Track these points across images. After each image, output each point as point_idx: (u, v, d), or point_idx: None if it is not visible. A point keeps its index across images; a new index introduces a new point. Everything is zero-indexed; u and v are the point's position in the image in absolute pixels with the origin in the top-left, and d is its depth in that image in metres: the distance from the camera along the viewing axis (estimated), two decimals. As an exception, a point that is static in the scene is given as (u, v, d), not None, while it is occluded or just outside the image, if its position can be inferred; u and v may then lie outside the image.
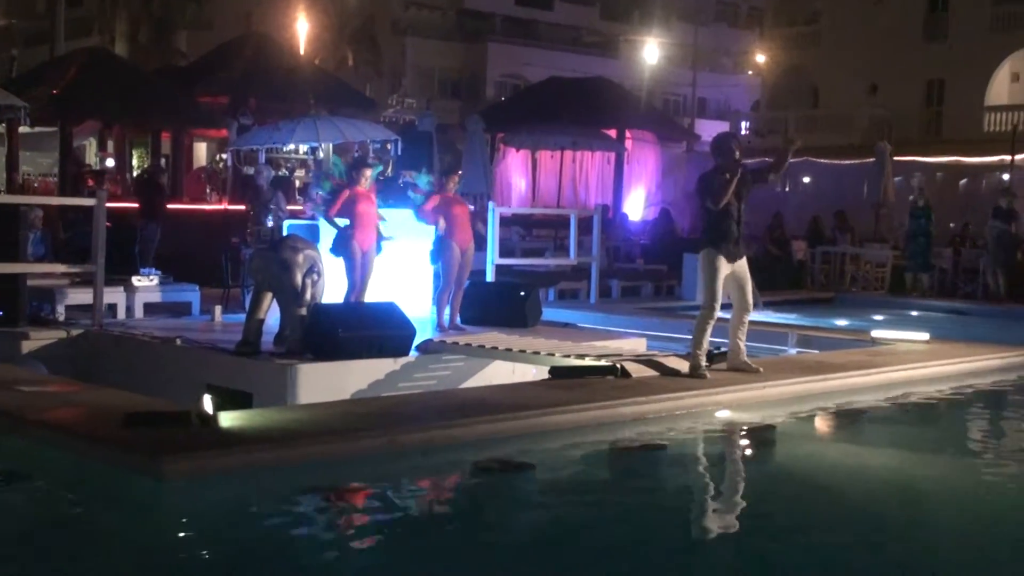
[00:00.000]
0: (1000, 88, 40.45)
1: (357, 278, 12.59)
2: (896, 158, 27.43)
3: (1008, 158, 26.88)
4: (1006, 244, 20.90)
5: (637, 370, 10.57)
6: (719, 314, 10.67)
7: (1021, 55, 39.69)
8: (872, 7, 41.57)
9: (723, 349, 11.06)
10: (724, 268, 10.57)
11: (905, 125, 37.86)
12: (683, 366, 10.68)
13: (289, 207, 18.02)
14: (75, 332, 12.82)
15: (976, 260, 22.17)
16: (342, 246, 12.55)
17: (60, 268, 14.39)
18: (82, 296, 13.64)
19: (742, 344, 10.89)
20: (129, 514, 7.03)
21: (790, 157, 10.97)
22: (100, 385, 10.45)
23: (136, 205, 19.79)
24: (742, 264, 10.74)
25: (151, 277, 14.87)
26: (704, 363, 10.59)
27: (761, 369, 10.85)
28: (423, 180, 13.98)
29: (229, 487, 7.25)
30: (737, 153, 10.66)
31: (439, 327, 13.08)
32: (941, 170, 31.34)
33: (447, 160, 28.05)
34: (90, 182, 22.93)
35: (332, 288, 12.46)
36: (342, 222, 12.63)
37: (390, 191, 14.95)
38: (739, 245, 10.68)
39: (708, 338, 10.62)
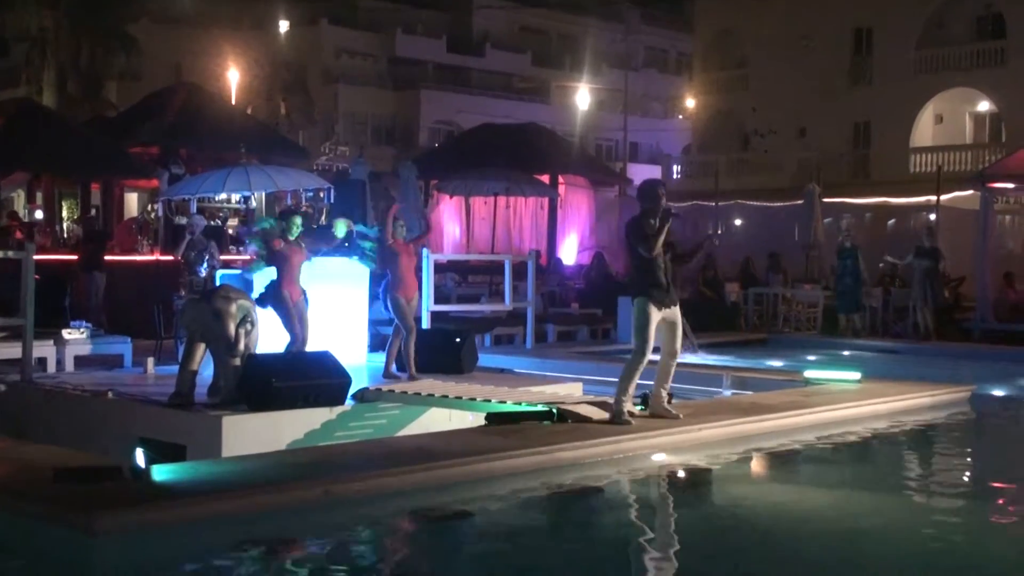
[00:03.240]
0: (925, 130, 41.26)
1: (297, 327, 12.49)
2: (825, 200, 27.85)
3: (934, 198, 27.34)
4: (933, 282, 21.19)
5: (574, 414, 10.58)
6: (652, 357, 10.68)
7: (944, 97, 40.53)
8: (798, 52, 42.32)
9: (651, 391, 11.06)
10: (656, 316, 10.55)
11: (834, 167, 38.45)
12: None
13: (222, 257, 17.92)
14: (3, 387, 12.61)
15: (906, 299, 22.47)
16: (274, 298, 12.45)
17: (-12, 322, 14.17)
18: (11, 350, 13.44)
19: (666, 390, 10.87)
20: (60, 572, 6.90)
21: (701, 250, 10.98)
22: (29, 440, 10.30)
23: (75, 257, 19.75)
24: (674, 311, 10.71)
25: (81, 330, 14.68)
26: (629, 409, 10.55)
27: (680, 416, 10.82)
28: (367, 228, 13.94)
29: (162, 542, 7.14)
30: (663, 200, 10.72)
31: (409, 375, 12.99)
32: (869, 211, 31.84)
33: (381, 207, 28.02)
34: (19, 234, 22.66)
35: (268, 339, 12.38)
36: (270, 273, 12.59)
37: (324, 239, 14.90)
38: (670, 292, 10.67)
39: (634, 385, 10.60)
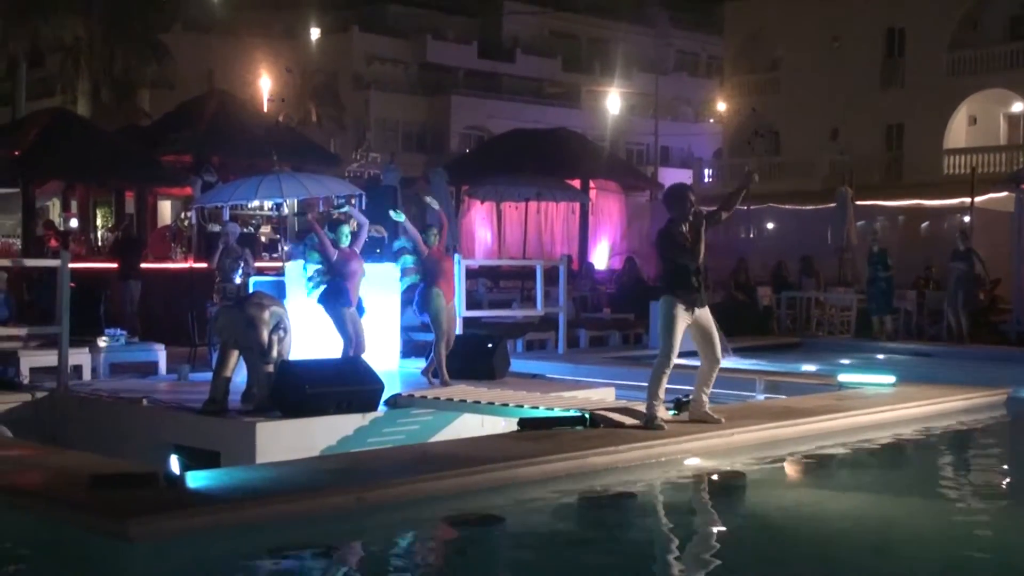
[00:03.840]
0: (958, 131, 40.96)
1: (351, 331, 12.64)
2: (858, 202, 27.64)
3: (968, 200, 27.13)
4: (967, 285, 21.06)
5: (606, 419, 10.56)
6: (680, 361, 10.63)
7: (977, 98, 40.23)
8: (830, 54, 42.12)
9: (691, 396, 11.02)
10: (683, 317, 10.40)
11: (866, 169, 38.23)
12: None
13: (256, 264, 17.96)
14: (40, 395, 12.70)
15: (940, 302, 22.33)
16: (333, 301, 12.62)
17: (24, 330, 14.27)
18: (47, 358, 13.51)
19: (706, 396, 10.81)
20: (96, 578, 6.95)
21: (748, 190, 10.89)
22: (66, 448, 10.38)
23: (114, 264, 19.90)
24: (705, 313, 10.56)
25: (116, 337, 14.77)
26: (662, 413, 10.51)
27: (723, 419, 10.79)
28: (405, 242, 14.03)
29: (197, 548, 7.18)
30: (692, 205, 10.59)
31: (441, 381, 13.08)
32: (903, 213, 31.61)
33: (413, 213, 28.02)
34: (53, 242, 22.81)
35: (305, 344, 12.47)
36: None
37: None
38: (700, 293, 10.51)
39: (664, 388, 10.53)
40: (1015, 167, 32.57)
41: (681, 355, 10.74)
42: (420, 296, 13.22)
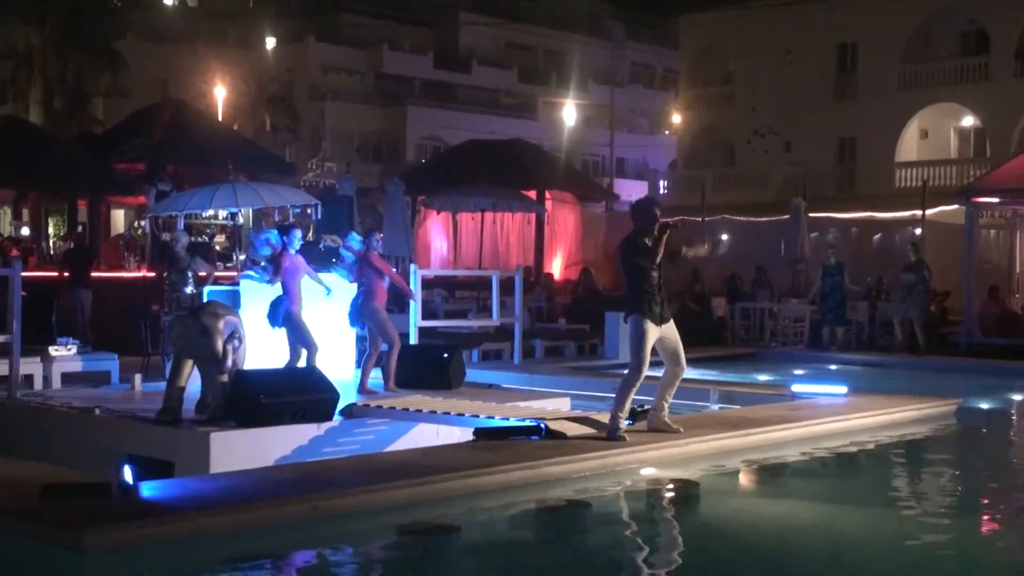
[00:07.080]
0: (910, 145, 41.40)
1: (310, 338, 12.64)
2: (811, 214, 27.90)
3: (920, 213, 27.42)
4: (919, 295, 21.19)
5: (561, 429, 10.59)
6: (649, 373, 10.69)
7: (928, 112, 40.69)
8: (784, 68, 42.49)
9: (646, 407, 11.07)
10: (653, 333, 10.53)
11: (819, 182, 38.55)
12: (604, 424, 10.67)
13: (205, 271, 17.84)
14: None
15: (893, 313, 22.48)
16: (286, 317, 12.59)
17: (-27, 339, 14.10)
18: (-3, 367, 13.39)
19: (667, 405, 10.90)
20: (48, 589, 6.89)
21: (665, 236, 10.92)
22: (17, 458, 10.27)
23: (66, 273, 19.73)
24: (671, 327, 10.70)
25: (68, 347, 14.64)
26: (624, 424, 10.57)
27: (681, 429, 10.87)
28: (355, 240, 14.02)
29: (151, 558, 7.13)
30: (656, 219, 10.71)
31: (379, 390, 13.14)
32: (855, 225, 31.85)
33: (368, 223, 27.99)
34: (14, 251, 22.59)
35: (259, 354, 12.41)
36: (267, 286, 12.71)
37: (311, 255, 14.90)
38: (664, 307, 10.65)
39: (630, 401, 10.62)
40: (965, 180, 32.97)
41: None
42: (359, 308, 13.24)
